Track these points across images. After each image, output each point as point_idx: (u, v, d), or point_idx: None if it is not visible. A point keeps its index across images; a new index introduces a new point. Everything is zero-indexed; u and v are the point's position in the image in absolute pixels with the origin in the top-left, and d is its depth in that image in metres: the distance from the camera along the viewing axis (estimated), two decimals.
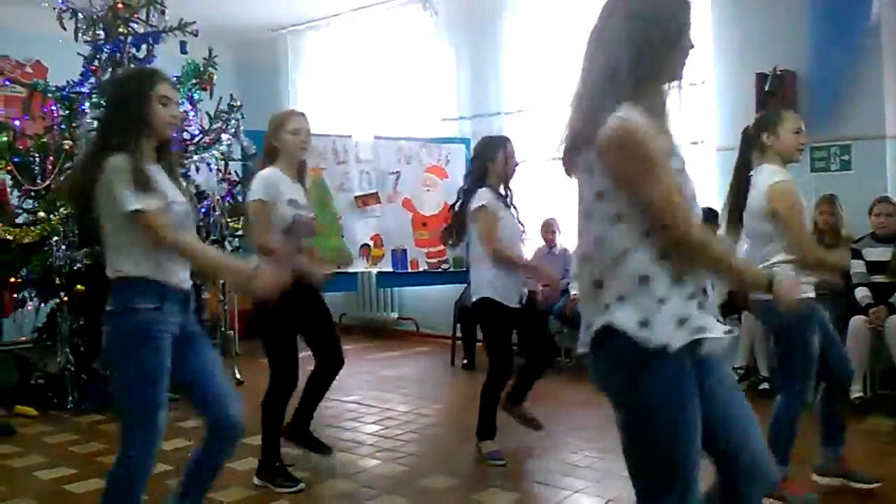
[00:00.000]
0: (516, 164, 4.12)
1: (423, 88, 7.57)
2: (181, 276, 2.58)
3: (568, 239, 6.44)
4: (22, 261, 5.21)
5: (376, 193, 6.00)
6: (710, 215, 4.13)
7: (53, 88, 5.47)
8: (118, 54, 5.64)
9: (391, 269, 6.12)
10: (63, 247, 5.06)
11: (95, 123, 5.24)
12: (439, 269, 6.22)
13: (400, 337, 7.81)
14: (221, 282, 5.55)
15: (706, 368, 1.82)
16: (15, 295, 5.36)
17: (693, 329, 1.76)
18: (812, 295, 3.17)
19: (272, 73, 8.78)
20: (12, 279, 5.26)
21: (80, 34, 5.61)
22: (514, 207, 4.11)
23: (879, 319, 4.70)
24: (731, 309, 5.01)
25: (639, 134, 1.69)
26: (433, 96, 7.48)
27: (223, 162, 5.84)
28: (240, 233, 5.57)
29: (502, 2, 6.97)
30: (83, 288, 5.08)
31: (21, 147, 5.46)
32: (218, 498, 3.41)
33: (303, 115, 3.75)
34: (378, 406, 5.19)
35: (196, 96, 5.76)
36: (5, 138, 5.33)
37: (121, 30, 5.61)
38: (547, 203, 6.30)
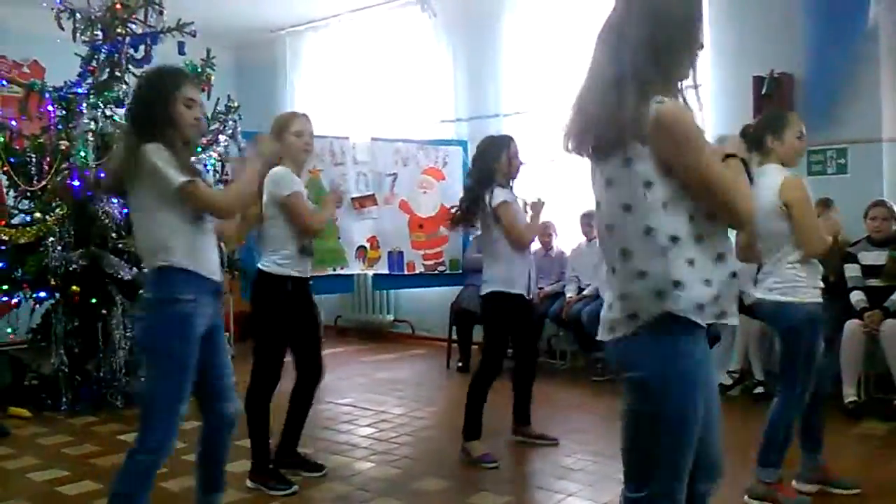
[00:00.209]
0: (520, 164, 4.19)
1: (420, 90, 7.57)
2: (214, 268, 2.67)
3: (564, 241, 6.45)
4: (17, 261, 5.21)
5: (373, 195, 5.98)
6: None
7: (51, 89, 5.46)
8: (116, 55, 5.64)
9: (387, 271, 6.11)
10: (59, 248, 5.06)
11: (92, 124, 5.25)
12: (436, 272, 6.21)
13: (395, 339, 7.81)
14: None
15: None
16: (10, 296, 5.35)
17: (717, 312, 1.83)
18: (819, 300, 3.19)
19: (270, 74, 8.78)
20: (7, 280, 5.26)
21: (77, 34, 5.61)
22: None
23: (874, 323, 4.70)
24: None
25: (685, 115, 1.79)
26: (431, 98, 7.48)
27: (220, 163, 5.83)
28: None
29: (500, 4, 6.98)
30: (78, 289, 5.08)
31: (17, 147, 5.44)
32: None
33: (306, 116, 3.75)
34: (373, 409, 5.19)
35: None
36: (1, 138, 5.32)
37: (119, 30, 5.61)
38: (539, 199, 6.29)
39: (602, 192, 1.90)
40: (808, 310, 3.16)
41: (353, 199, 5.93)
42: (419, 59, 7.57)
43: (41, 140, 5.42)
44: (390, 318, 7.93)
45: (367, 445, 4.38)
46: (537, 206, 4.19)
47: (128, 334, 5.18)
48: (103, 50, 5.63)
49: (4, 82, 5.94)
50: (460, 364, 6.40)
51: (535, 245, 6.33)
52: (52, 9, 5.53)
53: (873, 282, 4.88)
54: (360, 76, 8.02)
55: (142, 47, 5.71)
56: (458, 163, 6.35)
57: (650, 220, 1.80)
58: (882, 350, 4.68)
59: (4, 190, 5.49)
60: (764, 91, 5.44)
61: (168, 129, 2.58)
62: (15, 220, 5.46)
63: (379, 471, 3.93)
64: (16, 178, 5.33)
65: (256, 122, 5.71)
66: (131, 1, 5.65)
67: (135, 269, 5.12)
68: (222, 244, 3.33)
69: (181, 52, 5.68)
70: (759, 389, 5.08)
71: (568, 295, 6.10)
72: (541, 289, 5.86)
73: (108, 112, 5.39)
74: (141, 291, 4.54)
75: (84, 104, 5.31)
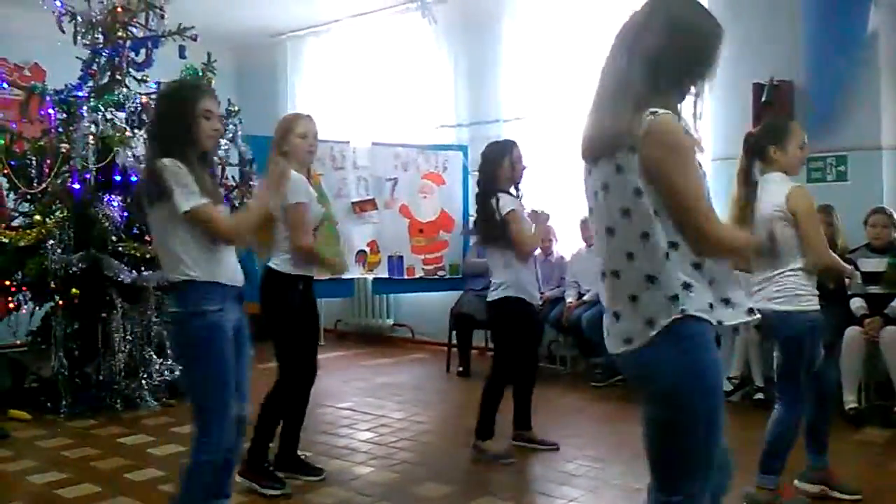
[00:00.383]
0: (524, 168, 4.22)
1: (421, 95, 7.57)
2: (234, 274, 2.75)
3: (564, 247, 6.44)
4: (17, 264, 5.20)
5: (373, 200, 5.99)
6: None
7: (52, 92, 5.47)
8: (117, 58, 5.65)
9: (387, 276, 6.11)
10: (59, 250, 5.05)
11: (93, 127, 5.25)
12: (435, 276, 6.22)
13: (395, 344, 7.80)
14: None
15: None
16: (10, 298, 5.34)
17: (724, 308, 1.87)
18: (818, 307, 3.19)
19: (271, 78, 8.78)
20: (7, 282, 5.25)
21: (79, 38, 5.62)
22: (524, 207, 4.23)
23: (874, 330, 4.70)
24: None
25: (677, 128, 1.80)
26: (431, 103, 7.49)
27: (220, 167, 5.83)
28: None
29: (500, 9, 6.99)
30: (78, 292, 5.08)
31: (18, 150, 5.45)
32: None
33: (310, 117, 3.75)
34: (372, 413, 5.18)
35: None
36: (2, 141, 5.33)
37: (120, 34, 5.63)
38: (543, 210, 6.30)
39: (600, 196, 1.91)
40: (810, 318, 3.16)
41: (353, 203, 5.95)
42: (419, 64, 7.58)
43: (42, 143, 5.43)
44: (390, 322, 7.93)
45: (366, 450, 4.37)
46: (542, 218, 4.20)
47: (128, 337, 5.19)
48: (104, 53, 5.64)
49: (5, 85, 5.94)
50: (460, 369, 6.40)
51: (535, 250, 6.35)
52: (54, 12, 5.55)
53: (873, 289, 4.88)
54: (360, 81, 8.03)
55: (143, 51, 5.72)
56: (458, 168, 6.36)
57: (646, 226, 1.82)
58: (882, 357, 4.68)
59: (4, 192, 5.49)
60: (764, 98, 5.45)
61: (186, 143, 2.65)
62: (15, 223, 5.46)
63: (378, 475, 3.92)
64: (16, 181, 5.33)
65: (257, 126, 5.74)
66: (132, 4, 5.67)
67: (134, 273, 5.12)
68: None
69: (182, 56, 5.70)
70: (759, 396, 5.08)
71: (568, 300, 6.11)
72: (541, 294, 5.85)
73: (108, 115, 5.40)
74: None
75: (85, 107, 5.32)
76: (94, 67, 5.64)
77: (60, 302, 5.14)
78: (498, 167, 4.12)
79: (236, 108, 5.91)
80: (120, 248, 5.17)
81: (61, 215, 5.14)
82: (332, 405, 5.32)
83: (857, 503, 3.40)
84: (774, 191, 3.16)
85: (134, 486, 3.76)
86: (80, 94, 5.49)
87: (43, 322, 5.44)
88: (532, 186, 6.26)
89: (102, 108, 5.38)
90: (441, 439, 4.63)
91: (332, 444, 4.44)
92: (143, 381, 5.25)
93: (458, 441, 4.39)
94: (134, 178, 5.24)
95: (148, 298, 5.25)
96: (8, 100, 6.57)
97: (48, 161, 5.31)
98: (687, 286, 1.81)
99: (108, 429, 4.81)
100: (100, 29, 5.63)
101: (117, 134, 5.30)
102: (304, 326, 3.70)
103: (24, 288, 5.26)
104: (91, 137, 5.20)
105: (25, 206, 5.55)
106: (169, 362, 5.39)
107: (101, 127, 5.30)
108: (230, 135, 5.84)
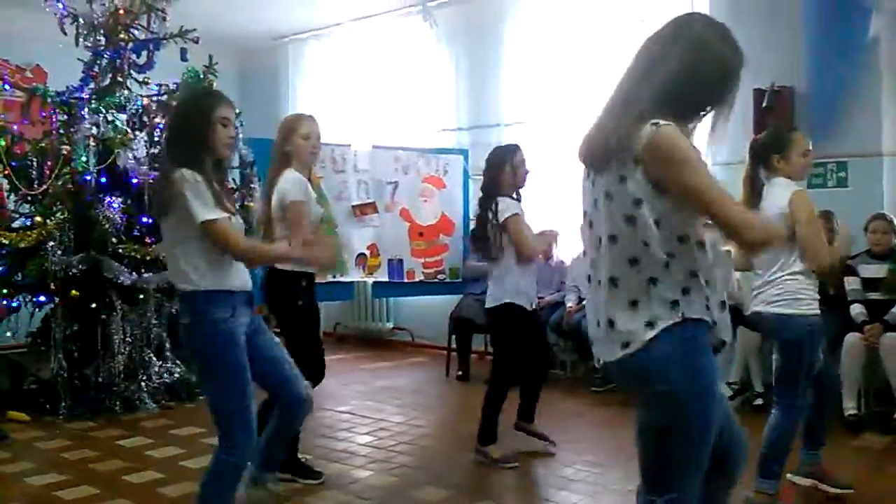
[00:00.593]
0: (527, 172, 4.22)
1: (422, 99, 7.58)
2: (246, 280, 2.77)
3: (564, 251, 6.44)
4: (17, 265, 5.20)
5: (374, 203, 5.99)
6: None
7: (53, 93, 5.47)
8: (118, 60, 5.65)
9: (387, 279, 6.11)
10: (59, 252, 5.05)
11: (94, 129, 5.25)
12: (435, 280, 6.21)
13: (394, 347, 7.80)
14: None
15: None
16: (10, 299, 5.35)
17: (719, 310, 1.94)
18: (818, 312, 3.21)
19: (273, 81, 8.79)
20: (7, 283, 5.25)
21: (80, 39, 5.63)
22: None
23: (874, 336, 4.70)
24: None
25: (681, 138, 1.81)
26: (432, 106, 7.49)
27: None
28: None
29: (502, 13, 7.00)
30: (78, 293, 5.08)
31: (18, 151, 5.45)
32: None
33: (312, 118, 3.75)
34: (371, 416, 5.18)
35: None
36: (3, 142, 5.33)
37: (121, 36, 5.63)
38: (544, 215, 6.30)
39: (601, 204, 1.92)
40: (810, 322, 3.18)
41: (353, 206, 5.94)
42: (421, 67, 7.58)
43: (43, 144, 5.43)
44: (390, 325, 7.92)
45: (365, 453, 4.36)
46: (550, 238, 4.25)
47: (127, 339, 5.19)
48: (106, 55, 5.65)
49: (7, 86, 5.94)
50: (460, 373, 6.39)
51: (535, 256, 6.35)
52: (55, 14, 5.56)
53: (873, 295, 4.88)
54: (361, 84, 8.03)
55: (144, 53, 5.73)
56: (459, 171, 6.36)
57: (646, 235, 1.85)
58: (882, 363, 4.68)
59: (5, 194, 5.49)
60: (765, 104, 5.45)
61: (202, 150, 2.66)
62: (15, 224, 5.46)
63: (377, 479, 3.92)
64: (17, 182, 5.33)
65: (258, 129, 5.74)
66: (134, 7, 5.67)
67: (134, 275, 5.13)
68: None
69: (184, 59, 5.70)
70: (759, 401, 5.08)
71: (568, 304, 6.10)
72: (541, 298, 5.85)
73: (109, 117, 5.41)
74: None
75: (86, 109, 5.33)
76: (96, 69, 5.64)
77: (60, 303, 5.14)
78: (500, 171, 4.12)
79: (238, 111, 5.90)
80: (120, 250, 5.18)
81: (62, 217, 5.14)
82: (332, 409, 5.32)
83: (847, 496, 3.43)
84: (779, 194, 3.21)
85: (133, 488, 3.76)
86: (81, 95, 5.49)
87: (42, 323, 5.44)
88: (533, 190, 6.32)
89: (104, 110, 5.39)
90: (440, 443, 4.63)
91: (332, 448, 4.43)
92: (143, 384, 5.25)
93: (457, 445, 4.39)
94: (135, 180, 5.25)
95: (148, 300, 5.26)
96: (9, 101, 6.57)
97: (49, 162, 5.31)
98: (686, 291, 1.86)
99: (107, 431, 4.81)
100: (101, 31, 5.63)
101: (118, 136, 5.30)
102: (312, 323, 3.73)
103: (24, 289, 5.25)
104: (92, 139, 5.20)
105: (26, 208, 5.56)
106: (168, 364, 5.39)
107: (102, 129, 5.30)
108: None
